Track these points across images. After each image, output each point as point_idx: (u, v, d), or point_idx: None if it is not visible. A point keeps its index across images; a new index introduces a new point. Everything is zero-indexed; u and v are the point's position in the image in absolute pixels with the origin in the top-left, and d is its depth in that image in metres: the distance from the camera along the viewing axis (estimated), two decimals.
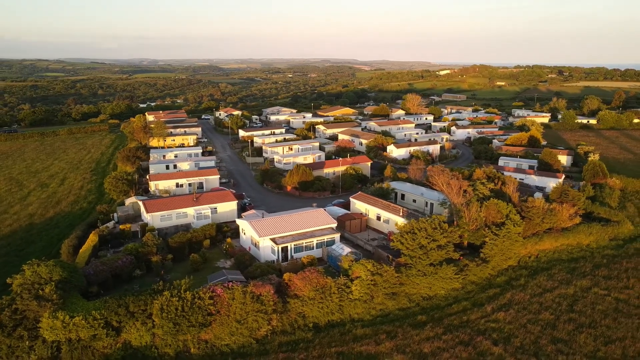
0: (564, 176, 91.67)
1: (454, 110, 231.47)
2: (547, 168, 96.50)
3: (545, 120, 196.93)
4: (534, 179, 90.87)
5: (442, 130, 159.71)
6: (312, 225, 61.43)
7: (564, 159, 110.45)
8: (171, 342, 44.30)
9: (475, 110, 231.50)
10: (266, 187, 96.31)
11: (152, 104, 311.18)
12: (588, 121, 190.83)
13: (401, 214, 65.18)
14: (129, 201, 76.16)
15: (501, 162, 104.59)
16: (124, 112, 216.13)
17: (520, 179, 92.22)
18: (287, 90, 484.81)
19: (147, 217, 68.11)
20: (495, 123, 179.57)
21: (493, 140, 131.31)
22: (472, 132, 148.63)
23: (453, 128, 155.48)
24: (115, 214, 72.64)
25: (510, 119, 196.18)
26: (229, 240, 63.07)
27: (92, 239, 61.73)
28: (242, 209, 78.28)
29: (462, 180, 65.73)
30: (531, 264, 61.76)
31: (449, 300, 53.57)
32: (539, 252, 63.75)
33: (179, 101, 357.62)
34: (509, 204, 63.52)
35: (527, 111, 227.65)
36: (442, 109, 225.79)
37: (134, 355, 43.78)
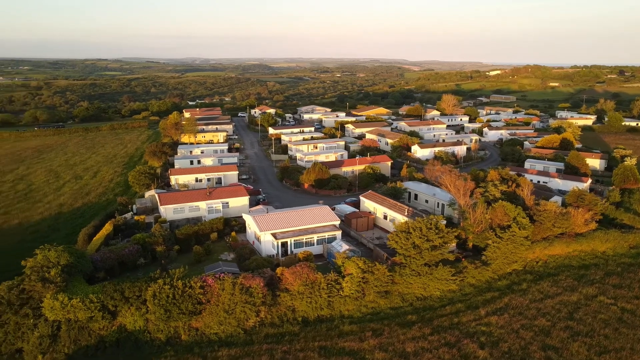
0: (590, 180, 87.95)
1: (493, 112, 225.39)
2: (574, 171, 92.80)
3: (589, 122, 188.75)
4: (558, 183, 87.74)
5: (474, 131, 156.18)
6: (314, 222, 62.21)
7: (596, 163, 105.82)
8: (163, 327, 46.35)
9: (515, 112, 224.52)
10: (285, 184, 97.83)
11: (201, 101, 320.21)
12: (638, 124, 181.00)
13: (406, 213, 64.83)
14: (148, 194, 79.60)
15: (527, 164, 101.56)
16: (169, 110, 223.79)
17: (543, 182, 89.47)
18: (334, 89, 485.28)
19: (161, 209, 71.02)
20: (533, 125, 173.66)
21: (524, 142, 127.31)
22: (504, 133, 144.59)
23: (485, 129, 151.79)
24: (134, 206, 76.11)
25: (551, 121, 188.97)
26: (233, 234, 64.84)
27: (107, 228, 65.12)
28: (256, 204, 80.00)
29: (470, 182, 64.56)
30: (538, 269, 59.93)
31: (443, 301, 52.93)
32: (548, 257, 61.75)
33: (227, 99, 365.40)
34: (517, 207, 61.78)
35: (571, 113, 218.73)
36: (479, 110, 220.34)
37: (128, 339, 46.10)
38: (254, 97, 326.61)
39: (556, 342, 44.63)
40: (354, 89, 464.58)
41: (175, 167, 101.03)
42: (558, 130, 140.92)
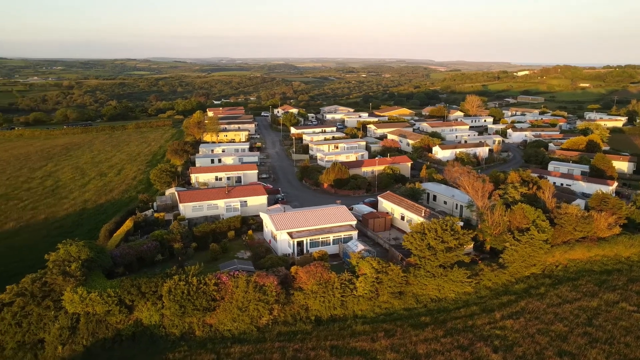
0: (615, 183, 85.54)
1: (518, 113, 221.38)
2: (599, 174, 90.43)
3: (619, 124, 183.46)
4: (581, 185, 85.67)
5: (497, 132, 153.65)
6: (330, 222, 62.32)
7: (624, 166, 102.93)
8: (178, 323, 47.17)
9: (542, 113, 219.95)
10: (304, 184, 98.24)
11: (226, 100, 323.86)
12: None
13: (423, 214, 64.36)
14: (168, 192, 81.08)
15: (551, 166, 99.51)
16: (194, 109, 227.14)
17: (567, 184, 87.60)
18: (359, 89, 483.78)
19: (180, 207, 72.20)
20: (560, 126, 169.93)
21: (549, 144, 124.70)
22: (529, 135, 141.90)
23: (509, 130, 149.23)
24: (154, 203, 77.60)
25: (578, 122, 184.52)
26: (250, 232, 65.47)
27: (127, 224, 66.62)
28: (275, 203, 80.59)
29: (488, 183, 63.69)
30: (557, 273, 58.69)
31: (458, 304, 52.35)
32: (568, 262, 60.39)
33: (252, 98, 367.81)
34: (537, 210, 60.59)
35: (600, 114, 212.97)
36: (504, 111, 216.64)
37: (143, 333, 47.06)
38: (279, 97, 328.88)
39: (573, 348, 43.61)
40: (379, 90, 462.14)
41: (196, 165, 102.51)
42: (585, 132, 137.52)
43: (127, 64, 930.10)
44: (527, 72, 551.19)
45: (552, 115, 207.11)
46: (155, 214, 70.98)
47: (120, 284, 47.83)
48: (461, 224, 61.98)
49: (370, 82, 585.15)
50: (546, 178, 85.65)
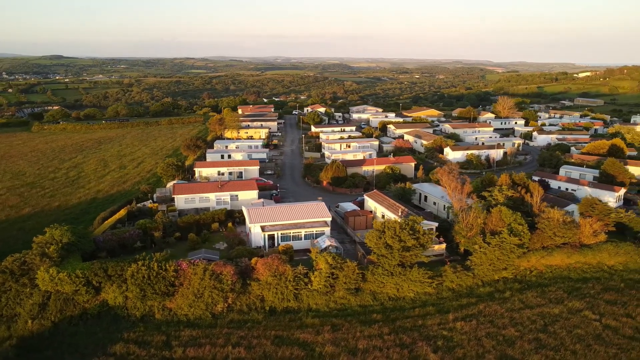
0: (624, 189, 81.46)
1: (557, 115, 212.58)
2: (609, 180, 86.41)
3: None
4: (587, 190, 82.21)
5: (522, 135, 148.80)
6: (304, 217, 63.62)
7: None
8: (139, 305, 50.11)
9: (583, 116, 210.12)
10: (306, 181, 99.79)
11: (276, 99, 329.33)
12: None
13: (400, 213, 64.42)
14: (169, 184, 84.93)
15: (562, 171, 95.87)
16: (238, 106, 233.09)
17: (572, 189, 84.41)
18: (411, 90, 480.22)
19: (175, 199, 75.67)
20: (595, 130, 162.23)
21: (571, 148, 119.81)
22: (554, 138, 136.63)
23: (534, 133, 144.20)
24: (154, 195, 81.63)
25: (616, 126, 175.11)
26: (230, 224, 67.85)
27: (121, 213, 70.68)
28: (270, 198, 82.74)
29: (467, 185, 62.91)
30: (530, 279, 57.28)
31: (416, 303, 52.40)
32: (545, 267, 58.72)
33: (302, 97, 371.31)
34: (515, 213, 59.26)
35: None
36: (541, 113, 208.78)
37: (108, 313, 50.34)
38: (329, 96, 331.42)
39: (517, 353, 42.96)
40: (430, 91, 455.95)
41: (207, 160, 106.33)
42: (615, 135, 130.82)
43: (186, 62, 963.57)
44: (588, 74, 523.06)
45: (591, 118, 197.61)
46: (150, 205, 74.76)
47: (90, 266, 51.32)
48: (435, 224, 61.86)
49: (422, 83, 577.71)
50: (549, 182, 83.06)
